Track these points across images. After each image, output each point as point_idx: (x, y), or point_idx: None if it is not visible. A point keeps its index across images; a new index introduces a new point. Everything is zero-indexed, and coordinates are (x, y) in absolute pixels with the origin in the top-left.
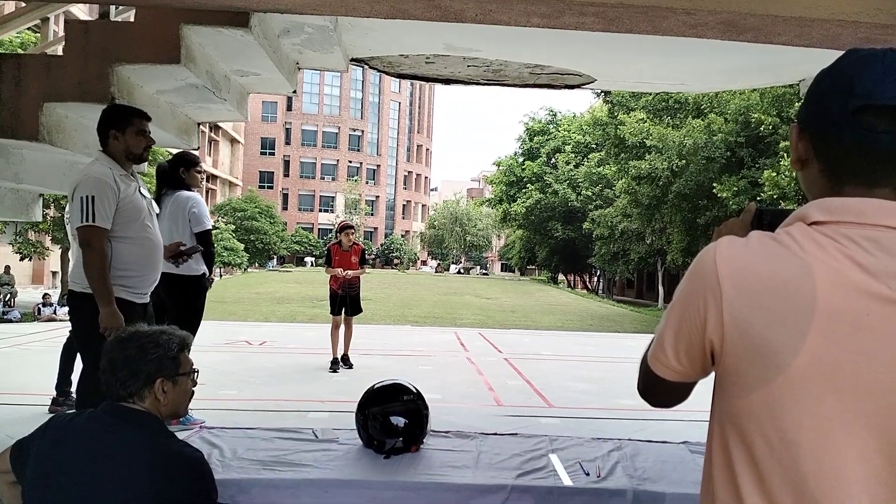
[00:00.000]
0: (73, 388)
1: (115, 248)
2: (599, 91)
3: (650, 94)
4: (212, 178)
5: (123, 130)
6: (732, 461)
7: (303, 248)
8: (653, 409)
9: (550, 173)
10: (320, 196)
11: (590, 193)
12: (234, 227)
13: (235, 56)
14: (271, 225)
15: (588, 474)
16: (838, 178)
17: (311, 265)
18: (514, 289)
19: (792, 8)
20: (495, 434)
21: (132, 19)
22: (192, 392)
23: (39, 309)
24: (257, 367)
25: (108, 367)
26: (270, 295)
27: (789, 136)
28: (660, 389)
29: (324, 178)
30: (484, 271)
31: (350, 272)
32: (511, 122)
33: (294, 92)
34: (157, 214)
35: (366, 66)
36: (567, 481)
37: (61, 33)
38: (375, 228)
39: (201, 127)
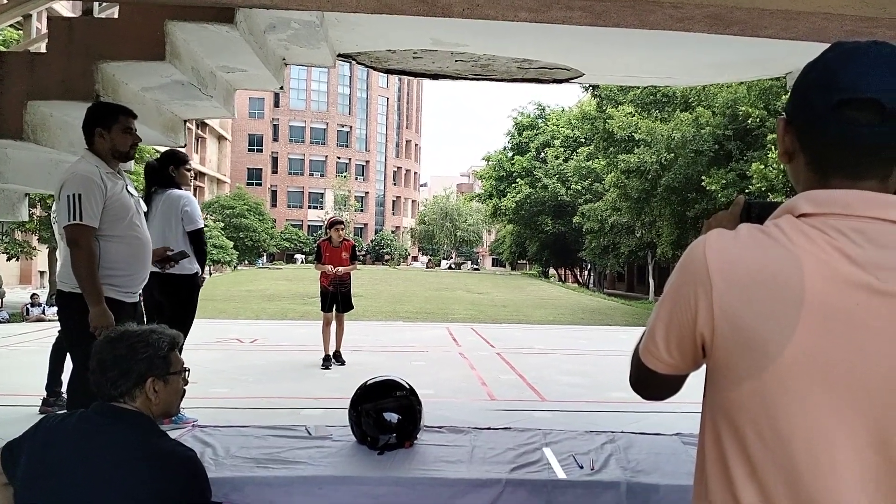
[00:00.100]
0: (64, 389)
1: (103, 248)
2: (588, 85)
3: (638, 87)
4: (199, 175)
5: (109, 128)
6: (725, 453)
7: (293, 246)
8: (645, 402)
9: (540, 168)
10: (309, 193)
11: (579, 187)
12: (222, 224)
13: (221, 52)
14: (260, 222)
15: (582, 467)
16: (824, 171)
17: (302, 262)
18: (505, 283)
19: (778, 1)
20: (489, 428)
21: (116, 16)
22: (184, 391)
23: (28, 309)
24: (249, 365)
25: (97, 367)
26: (261, 292)
27: (776, 129)
28: (651, 382)
29: (312, 175)
30: (475, 266)
31: (341, 269)
32: (499, 116)
33: (281, 88)
34: (146, 213)
35: (353, 62)
36: (561, 474)
37: (44, 30)
38: (365, 224)
39: (188, 124)
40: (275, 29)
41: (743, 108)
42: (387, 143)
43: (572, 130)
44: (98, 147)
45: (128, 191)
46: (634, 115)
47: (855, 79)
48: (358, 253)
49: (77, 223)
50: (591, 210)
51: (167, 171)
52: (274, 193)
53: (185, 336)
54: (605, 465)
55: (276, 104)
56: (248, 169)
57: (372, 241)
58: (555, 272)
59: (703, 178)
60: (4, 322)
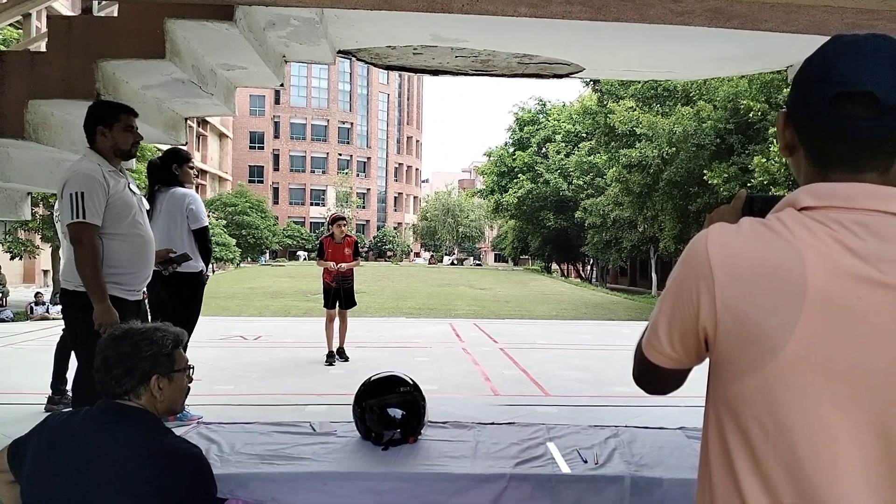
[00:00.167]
0: (69, 387)
1: (106, 246)
2: (588, 80)
3: (639, 82)
4: (201, 173)
5: (111, 126)
6: (728, 446)
7: (295, 243)
8: (648, 396)
9: (541, 163)
10: (311, 190)
11: (581, 182)
12: (225, 222)
13: (221, 50)
14: (262, 219)
15: (586, 461)
16: (823, 165)
17: (304, 259)
18: (507, 279)
19: None
20: (493, 423)
21: (115, 14)
22: (188, 388)
23: (32, 308)
24: (253, 362)
25: (102, 365)
26: (264, 290)
27: (776, 122)
28: (654, 376)
29: (314, 172)
30: (477, 262)
31: (344, 265)
32: (500, 112)
33: (281, 85)
34: (150, 211)
35: (353, 58)
36: (565, 469)
37: (44, 29)
38: (367, 221)
39: (189, 122)
40: (274, 26)
41: (744, 102)
42: (388, 139)
43: (573, 125)
44: (100, 145)
45: (130, 189)
46: (636, 110)
47: (850, 72)
48: (360, 249)
49: (80, 221)
50: (593, 205)
51: (170, 170)
52: (276, 190)
53: (190, 334)
54: (608, 460)
55: (277, 101)
56: (249, 166)
57: (374, 238)
58: (557, 267)
59: (704, 172)
60: (9, 321)
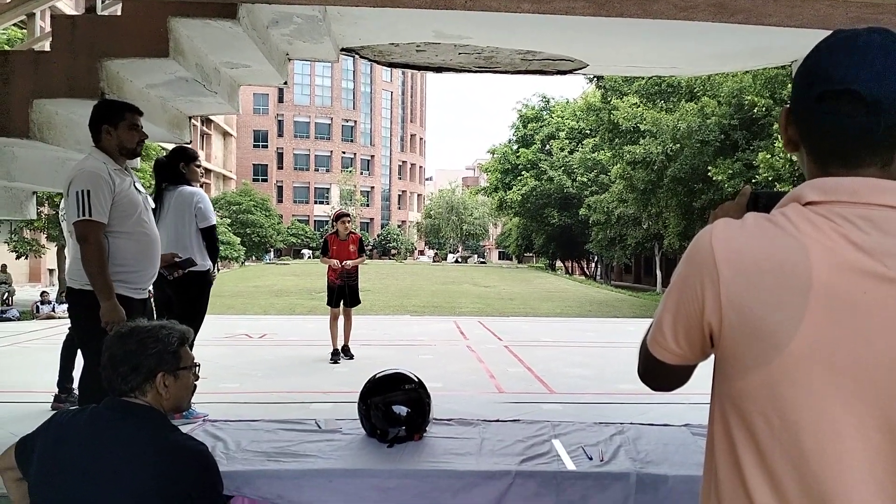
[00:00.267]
0: (76, 385)
1: (112, 244)
2: (592, 76)
3: (643, 78)
4: (205, 171)
5: (116, 125)
6: (734, 442)
7: (299, 241)
8: (653, 393)
9: (545, 160)
10: (315, 188)
11: (585, 179)
12: (229, 220)
13: (224, 48)
14: (267, 218)
15: (591, 458)
16: (822, 161)
17: (309, 257)
18: (511, 276)
19: None
20: (498, 421)
21: (119, 13)
22: (195, 386)
23: (38, 307)
24: (258, 360)
25: (108, 362)
26: (269, 288)
27: (780, 119)
28: (660, 373)
29: (318, 170)
30: (481, 260)
31: (349, 262)
32: (504, 109)
33: (285, 83)
34: (157, 209)
35: (356, 56)
36: (570, 466)
37: (48, 29)
38: (371, 219)
39: (193, 120)
40: (277, 24)
41: (749, 98)
42: (391, 137)
43: (577, 122)
44: (105, 144)
45: (135, 187)
46: (639, 106)
47: (835, 70)
48: (365, 246)
49: (86, 219)
50: (597, 202)
51: (177, 168)
52: (280, 189)
53: (197, 332)
54: (614, 457)
55: (281, 100)
56: (253, 165)
57: (378, 236)
58: (561, 265)
59: (709, 168)
60: (15, 320)
